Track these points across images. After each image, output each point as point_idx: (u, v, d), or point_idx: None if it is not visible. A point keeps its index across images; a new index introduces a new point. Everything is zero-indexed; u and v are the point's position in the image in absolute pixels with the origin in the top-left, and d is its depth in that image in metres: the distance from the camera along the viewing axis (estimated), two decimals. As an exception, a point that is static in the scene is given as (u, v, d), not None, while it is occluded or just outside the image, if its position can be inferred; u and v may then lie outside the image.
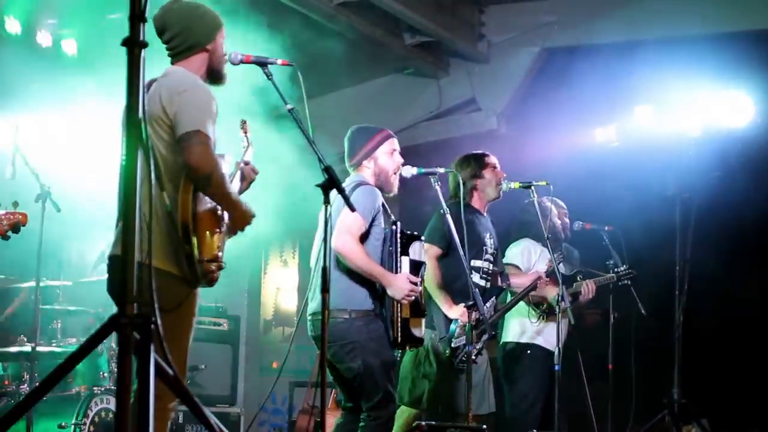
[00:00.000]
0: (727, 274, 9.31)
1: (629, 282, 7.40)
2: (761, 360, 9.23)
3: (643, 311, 7.53)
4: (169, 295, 3.90)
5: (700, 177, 9.09)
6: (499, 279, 6.70)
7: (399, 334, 5.40)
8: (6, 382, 6.80)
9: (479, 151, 6.82)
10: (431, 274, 6.21)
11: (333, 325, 5.33)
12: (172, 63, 4.41)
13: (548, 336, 7.00)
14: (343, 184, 5.31)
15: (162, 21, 4.36)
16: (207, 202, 4.21)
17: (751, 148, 8.82)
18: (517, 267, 7.17)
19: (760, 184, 8.95)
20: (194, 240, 4.09)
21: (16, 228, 5.20)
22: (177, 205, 4.07)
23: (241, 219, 4.37)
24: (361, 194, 5.44)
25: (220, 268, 4.27)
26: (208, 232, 4.20)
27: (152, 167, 3.35)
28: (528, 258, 7.23)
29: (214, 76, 4.45)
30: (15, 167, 6.99)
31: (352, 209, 4.65)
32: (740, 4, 8.75)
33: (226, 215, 4.36)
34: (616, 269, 7.39)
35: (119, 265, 2.73)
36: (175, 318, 4.08)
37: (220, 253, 4.28)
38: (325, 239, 4.26)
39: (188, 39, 4.35)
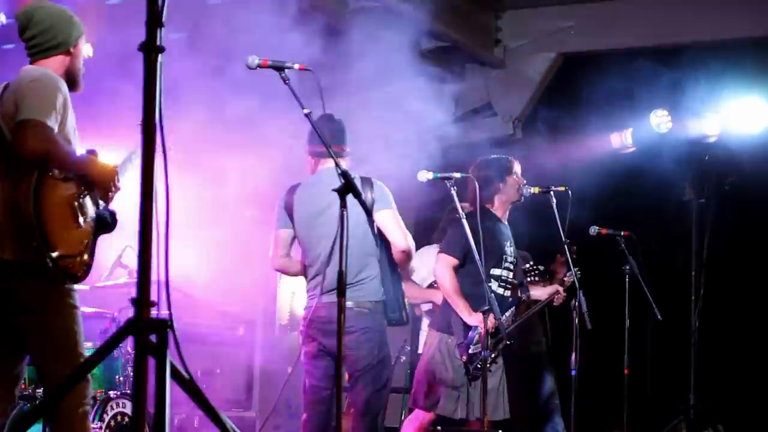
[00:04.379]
0: (743, 280, 9.29)
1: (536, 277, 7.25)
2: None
3: (659, 316, 7.50)
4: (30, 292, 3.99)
5: (716, 182, 9.08)
6: (518, 291, 6.68)
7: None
8: (23, 386, 6.81)
9: (504, 155, 6.76)
10: (449, 282, 6.22)
11: (359, 313, 5.46)
12: (31, 62, 4.33)
13: None
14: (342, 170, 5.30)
15: (28, 17, 4.29)
16: (59, 195, 4.09)
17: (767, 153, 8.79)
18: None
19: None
20: (47, 235, 3.99)
21: None
22: (19, 201, 3.99)
23: (101, 179, 4.27)
24: (386, 189, 5.54)
25: (84, 264, 4.15)
26: (62, 227, 4.07)
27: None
28: None
29: (71, 81, 4.36)
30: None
31: (369, 213, 4.69)
32: (758, 11, 8.72)
33: (90, 210, 4.24)
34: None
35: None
36: (42, 318, 4.09)
37: (85, 251, 4.16)
38: (341, 243, 4.25)
39: (55, 37, 4.30)
